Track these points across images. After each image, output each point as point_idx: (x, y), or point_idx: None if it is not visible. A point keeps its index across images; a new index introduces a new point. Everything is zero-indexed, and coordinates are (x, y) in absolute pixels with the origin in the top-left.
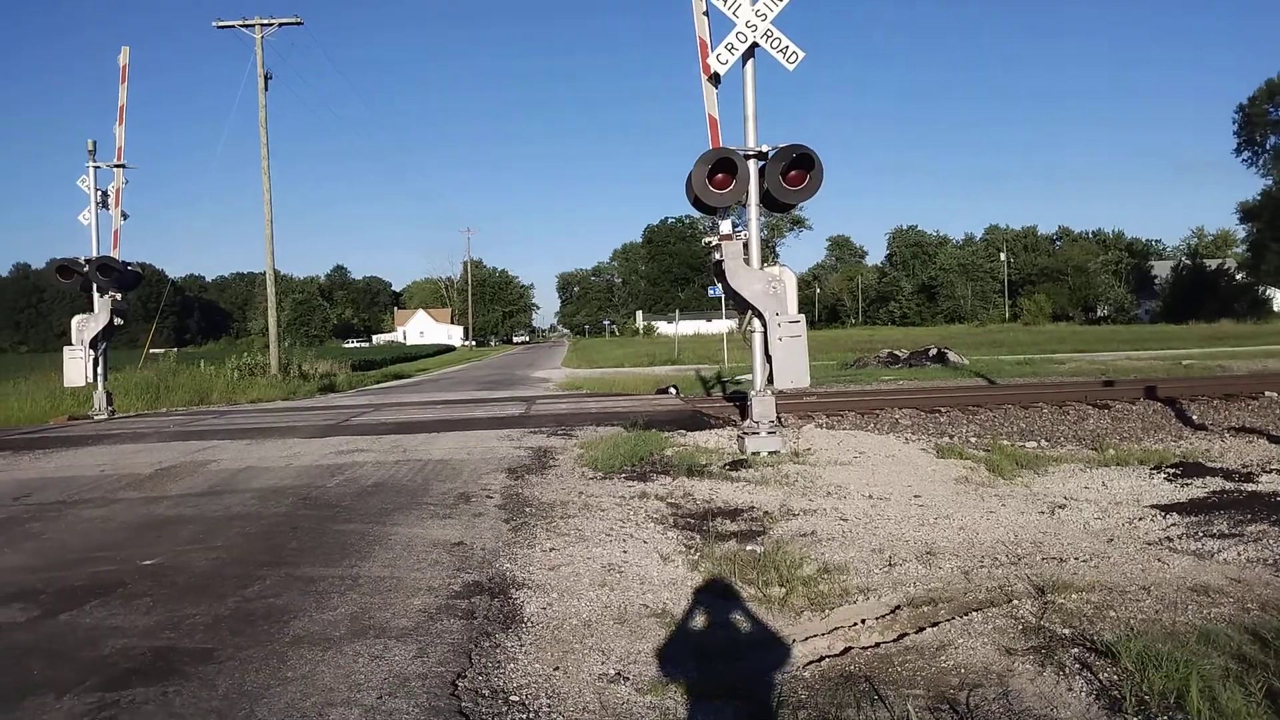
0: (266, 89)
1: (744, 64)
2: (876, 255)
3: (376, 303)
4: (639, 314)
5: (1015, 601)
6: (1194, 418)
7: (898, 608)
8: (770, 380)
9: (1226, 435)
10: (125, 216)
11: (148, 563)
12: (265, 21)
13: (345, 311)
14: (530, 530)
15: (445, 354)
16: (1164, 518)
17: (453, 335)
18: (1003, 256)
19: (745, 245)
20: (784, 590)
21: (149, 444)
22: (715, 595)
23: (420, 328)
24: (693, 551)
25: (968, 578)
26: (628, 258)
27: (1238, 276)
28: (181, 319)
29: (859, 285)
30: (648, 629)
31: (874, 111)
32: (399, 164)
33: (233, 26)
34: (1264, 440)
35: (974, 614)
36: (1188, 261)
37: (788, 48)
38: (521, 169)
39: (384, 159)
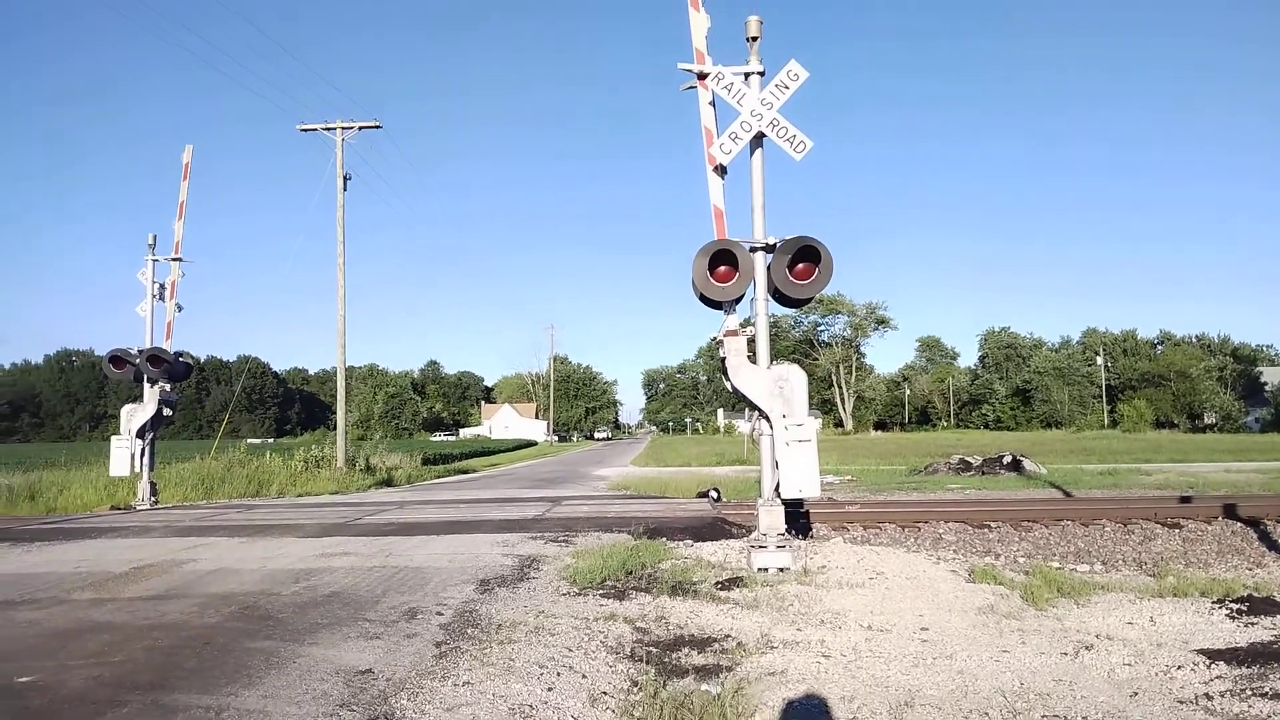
0: (345, 189)
1: (751, 152)
2: (969, 357)
3: (467, 397)
4: (720, 412)
5: None
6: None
7: None
8: (778, 489)
9: None
10: (180, 309)
11: (23, 679)
12: (346, 125)
13: (436, 405)
14: (455, 658)
15: (525, 449)
16: (1209, 668)
17: (537, 430)
18: (1100, 360)
19: (750, 341)
20: None
21: (148, 539)
22: None
23: (505, 422)
24: (635, 690)
25: None
26: (711, 355)
27: None
28: (283, 410)
29: (950, 387)
30: None
31: (964, 211)
32: (487, 261)
33: (314, 130)
34: None
35: None
36: None
37: (795, 136)
38: (609, 266)
39: (473, 257)
